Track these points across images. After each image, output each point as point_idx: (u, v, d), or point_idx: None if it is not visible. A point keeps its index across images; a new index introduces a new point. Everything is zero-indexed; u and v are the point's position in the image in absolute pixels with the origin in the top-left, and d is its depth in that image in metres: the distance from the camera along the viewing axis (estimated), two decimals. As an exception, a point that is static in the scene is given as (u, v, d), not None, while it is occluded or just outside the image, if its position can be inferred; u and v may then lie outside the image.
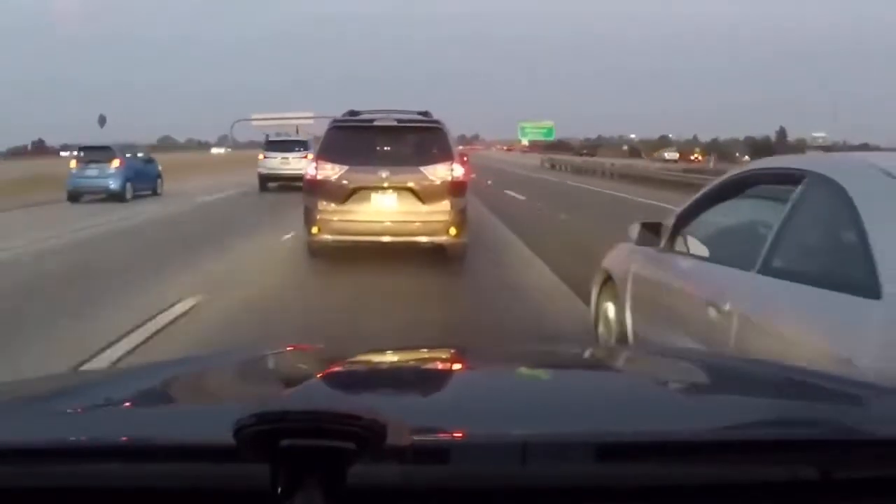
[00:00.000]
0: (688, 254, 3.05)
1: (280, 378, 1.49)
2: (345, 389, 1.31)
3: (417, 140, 7.68)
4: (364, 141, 7.58)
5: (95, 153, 17.02)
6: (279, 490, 0.78)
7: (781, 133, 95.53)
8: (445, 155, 7.41)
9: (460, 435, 0.93)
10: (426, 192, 7.23)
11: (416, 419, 0.92)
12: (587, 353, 2.02)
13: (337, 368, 1.58)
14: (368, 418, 0.78)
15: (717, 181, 3.29)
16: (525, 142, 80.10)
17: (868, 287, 1.94)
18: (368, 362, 1.64)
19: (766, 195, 2.95)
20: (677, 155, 71.35)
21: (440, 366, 1.65)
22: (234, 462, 0.80)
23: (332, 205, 7.27)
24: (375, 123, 7.65)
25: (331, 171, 7.35)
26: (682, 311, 2.88)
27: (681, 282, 2.98)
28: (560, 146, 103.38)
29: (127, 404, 1.20)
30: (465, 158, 8.12)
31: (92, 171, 16.67)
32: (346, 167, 7.32)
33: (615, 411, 1.12)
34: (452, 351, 1.91)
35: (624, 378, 1.48)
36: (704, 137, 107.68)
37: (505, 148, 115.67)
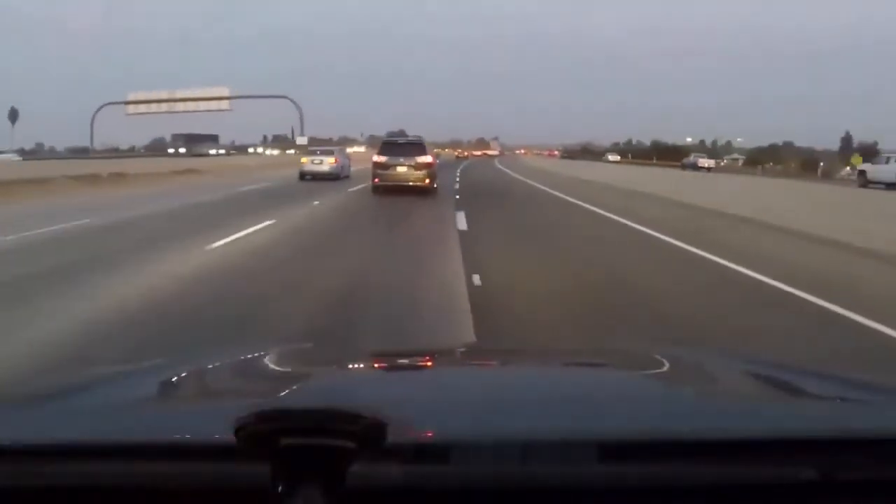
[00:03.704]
0: None
1: (280, 377, 1.48)
2: (345, 388, 1.31)
3: (413, 147, 19.19)
4: (395, 146, 19.36)
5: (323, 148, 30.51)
6: (279, 489, 0.78)
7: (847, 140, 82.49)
8: (424, 152, 18.91)
9: (461, 435, 0.93)
10: (417, 167, 18.52)
11: (416, 419, 0.92)
12: (588, 353, 2.01)
13: (337, 367, 1.58)
14: (369, 417, 0.78)
15: None
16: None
17: None
18: (369, 361, 1.63)
19: None
20: (619, 158, 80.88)
21: (442, 365, 1.65)
22: (235, 461, 0.81)
23: (382, 171, 18.53)
24: (399, 141, 20.39)
25: (382, 158, 18.67)
26: None
27: None
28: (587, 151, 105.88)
29: (127, 404, 1.20)
30: (436, 153, 22.57)
31: (318, 158, 28.71)
32: (387, 157, 18.65)
33: (616, 411, 1.11)
34: (454, 350, 1.91)
35: (624, 378, 1.47)
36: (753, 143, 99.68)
37: (546, 153, 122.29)
